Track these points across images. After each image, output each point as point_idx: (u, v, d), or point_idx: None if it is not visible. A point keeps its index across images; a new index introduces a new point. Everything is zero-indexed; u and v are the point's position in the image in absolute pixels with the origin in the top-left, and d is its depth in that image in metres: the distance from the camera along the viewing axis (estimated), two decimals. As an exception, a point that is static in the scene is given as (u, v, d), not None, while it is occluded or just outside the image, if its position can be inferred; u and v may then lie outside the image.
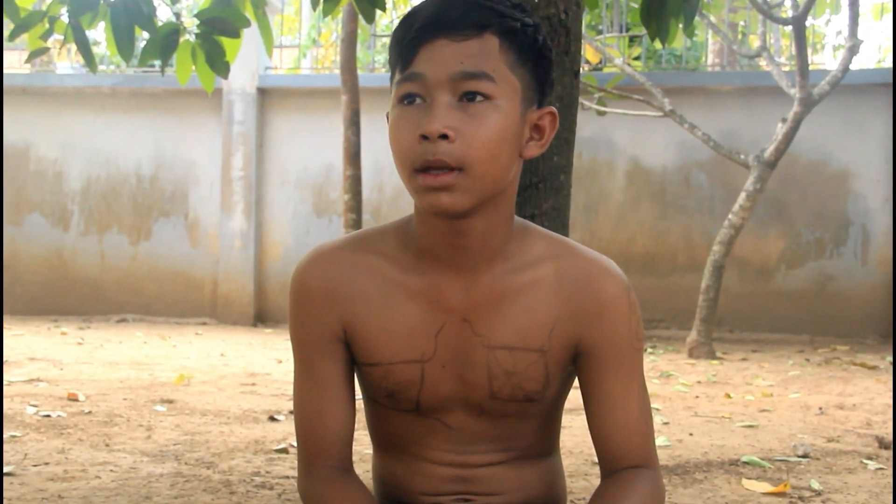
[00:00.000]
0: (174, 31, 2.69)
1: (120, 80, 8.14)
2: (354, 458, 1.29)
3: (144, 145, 8.03)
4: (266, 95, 7.93)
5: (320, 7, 2.74)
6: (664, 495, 1.26)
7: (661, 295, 7.20)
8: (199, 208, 7.99)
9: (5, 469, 2.30)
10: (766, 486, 2.30)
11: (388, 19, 10.33)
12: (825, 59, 12.42)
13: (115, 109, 8.07)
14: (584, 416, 1.27)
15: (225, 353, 5.54)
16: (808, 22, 7.28)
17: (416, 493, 1.30)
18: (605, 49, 6.82)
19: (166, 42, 2.67)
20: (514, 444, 1.28)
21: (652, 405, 1.33)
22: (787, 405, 3.85)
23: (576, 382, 1.31)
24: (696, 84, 7.45)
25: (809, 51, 7.60)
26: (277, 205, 7.90)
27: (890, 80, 6.80)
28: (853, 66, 6.18)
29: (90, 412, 3.23)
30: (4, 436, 2.75)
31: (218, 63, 2.71)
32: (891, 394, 4.13)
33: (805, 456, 2.72)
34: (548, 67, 1.19)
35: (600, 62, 7.45)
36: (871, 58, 14.06)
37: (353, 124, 6.46)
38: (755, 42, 7.81)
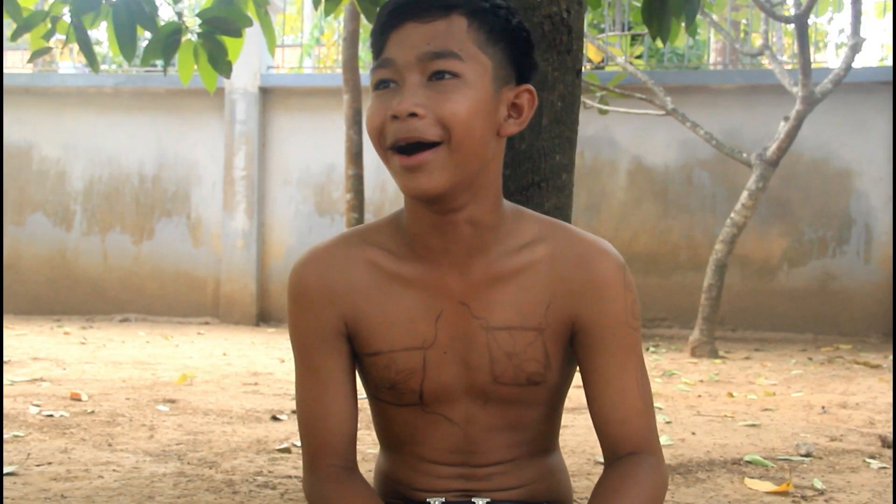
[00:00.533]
0: (176, 30, 2.69)
1: (122, 79, 8.15)
2: (357, 457, 1.29)
3: (147, 145, 8.04)
4: (268, 95, 7.93)
5: (322, 6, 2.74)
6: (667, 481, 1.26)
7: (664, 294, 7.20)
8: (201, 208, 8.00)
9: (9, 469, 2.30)
10: (768, 486, 2.30)
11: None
12: (828, 58, 12.42)
13: (117, 109, 8.08)
14: (586, 416, 1.27)
15: (227, 352, 5.55)
16: (811, 20, 7.27)
17: (420, 490, 1.30)
18: (607, 48, 6.82)
19: (168, 42, 2.68)
20: (517, 438, 1.28)
21: (654, 404, 1.33)
22: (789, 404, 3.85)
23: (576, 383, 1.31)
24: (698, 83, 7.45)
25: (812, 49, 7.59)
26: (280, 204, 7.91)
27: (892, 78, 6.79)
28: (856, 65, 6.17)
29: (93, 412, 3.24)
30: (7, 436, 2.75)
31: (220, 62, 2.71)
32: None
33: (808, 455, 2.72)
34: (524, 48, 1.20)
35: (602, 61, 7.45)
36: (874, 56, 14.06)
37: (356, 123, 6.46)
38: (757, 40, 7.80)
